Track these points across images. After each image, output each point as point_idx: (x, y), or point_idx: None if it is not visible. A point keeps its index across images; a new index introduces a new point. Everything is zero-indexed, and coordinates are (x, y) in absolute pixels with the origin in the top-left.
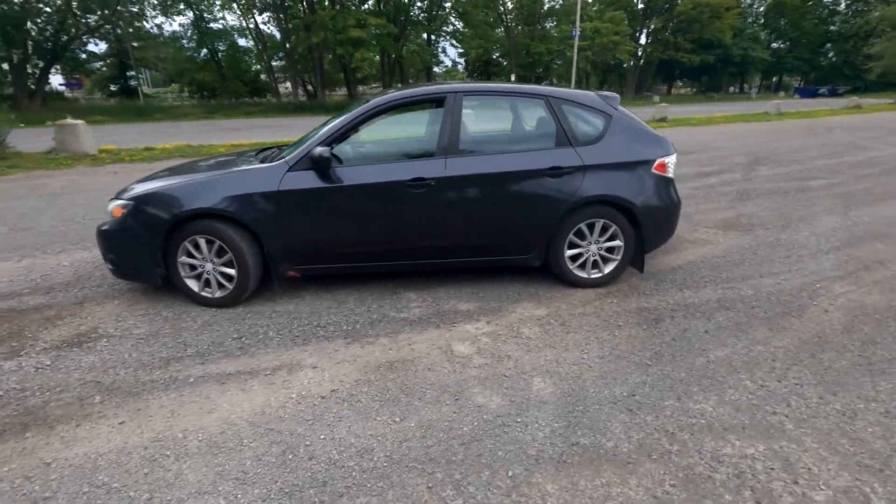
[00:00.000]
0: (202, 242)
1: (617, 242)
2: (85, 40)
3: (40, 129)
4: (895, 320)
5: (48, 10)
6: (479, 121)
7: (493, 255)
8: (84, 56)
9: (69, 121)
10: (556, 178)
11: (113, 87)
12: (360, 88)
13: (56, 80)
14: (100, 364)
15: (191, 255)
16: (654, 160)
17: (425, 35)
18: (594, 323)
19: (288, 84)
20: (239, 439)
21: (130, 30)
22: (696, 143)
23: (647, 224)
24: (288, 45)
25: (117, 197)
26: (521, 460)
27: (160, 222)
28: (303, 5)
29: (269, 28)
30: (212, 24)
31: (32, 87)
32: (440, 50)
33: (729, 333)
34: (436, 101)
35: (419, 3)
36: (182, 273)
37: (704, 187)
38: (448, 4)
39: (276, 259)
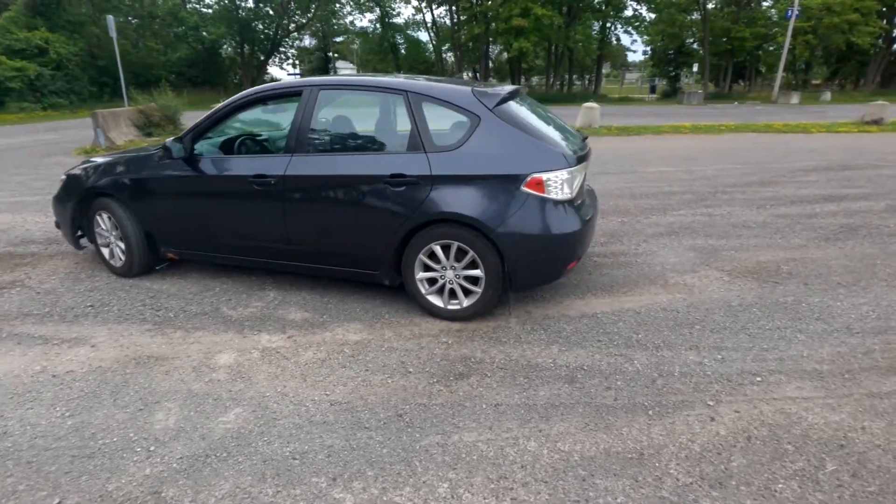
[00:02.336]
0: (105, 217)
1: (477, 272)
2: (297, 36)
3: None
4: (810, 460)
5: (271, 12)
6: (336, 117)
7: (339, 265)
8: (293, 50)
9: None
10: (399, 188)
11: None
12: (534, 80)
13: (284, 72)
14: None
15: (102, 228)
16: (524, 175)
17: (598, 22)
18: (385, 363)
19: (464, 74)
20: None
21: (319, 25)
22: (885, 156)
23: (511, 255)
24: (456, 36)
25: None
26: (89, 493)
27: (72, 197)
28: None
29: (444, 20)
30: (394, 20)
31: (254, 75)
32: (613, 38)
33: (521, 416)
34: (294, 96)
35: None
36: (98, 241)
37: (798, 215)
38: None
39: (155, 239)
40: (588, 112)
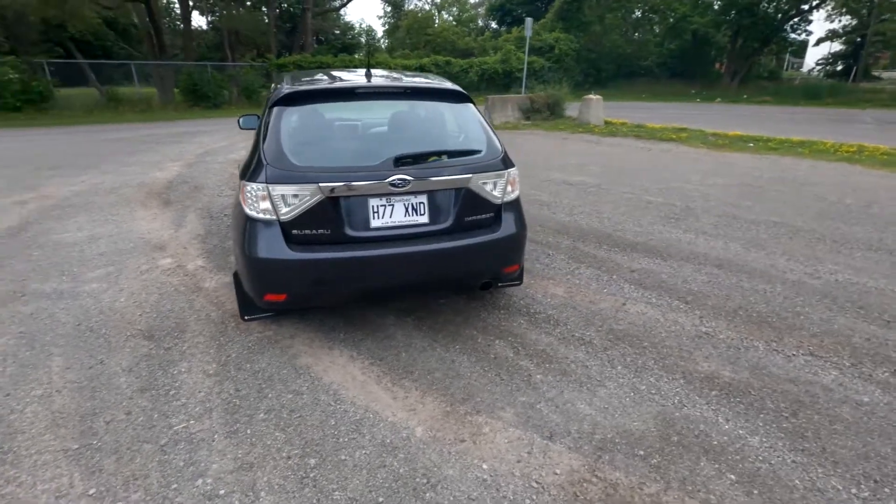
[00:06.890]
0: None
1: None
2: (809, 17)
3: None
4: None
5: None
6: None
7: None
8: (795, 35)
9: (590, 96)
10: None
11: (837, 67)
12: None
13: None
14: None
15: None
16: (240, 181)
17: None
18: (144, 300)
19: None
20: None
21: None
22: None
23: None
24: None
25: None
26: None
27: None
28: None
29: None
30: None
31: (736, 68)
32: None
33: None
34: None
35: None
36: None
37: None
38: None
39: None
40: None
